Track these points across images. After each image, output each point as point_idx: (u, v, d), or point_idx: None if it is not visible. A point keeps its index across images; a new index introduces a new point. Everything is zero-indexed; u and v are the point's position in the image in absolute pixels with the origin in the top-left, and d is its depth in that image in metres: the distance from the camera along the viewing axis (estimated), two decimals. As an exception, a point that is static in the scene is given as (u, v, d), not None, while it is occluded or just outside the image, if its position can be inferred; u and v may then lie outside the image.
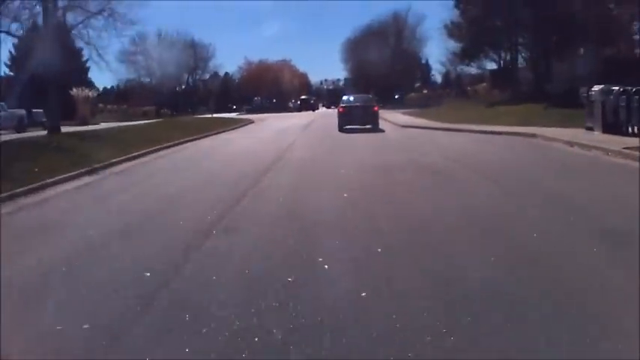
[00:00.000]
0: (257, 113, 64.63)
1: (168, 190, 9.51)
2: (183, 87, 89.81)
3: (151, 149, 16.28)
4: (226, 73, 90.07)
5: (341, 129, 23.16)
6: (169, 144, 18.32)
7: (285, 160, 13.09)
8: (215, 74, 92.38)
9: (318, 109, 76.94)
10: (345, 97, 26.38)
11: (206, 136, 23.12)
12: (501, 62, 40.79)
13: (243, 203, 7.85)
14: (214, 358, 3.10)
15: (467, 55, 40.05)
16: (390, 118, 33.51)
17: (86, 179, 11.57)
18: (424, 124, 25.55)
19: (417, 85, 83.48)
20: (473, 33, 34.90)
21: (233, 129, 28.53)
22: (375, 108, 24.04)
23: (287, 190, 8.82)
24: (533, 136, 16.74)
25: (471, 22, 35.99)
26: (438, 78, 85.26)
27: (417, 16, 69.55)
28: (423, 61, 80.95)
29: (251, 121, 36.83)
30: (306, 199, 8.07)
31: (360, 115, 23.38)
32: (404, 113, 39.47)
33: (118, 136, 19.25)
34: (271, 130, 26.40)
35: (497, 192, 8.18)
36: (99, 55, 23.87)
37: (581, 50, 25.30)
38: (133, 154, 14.87)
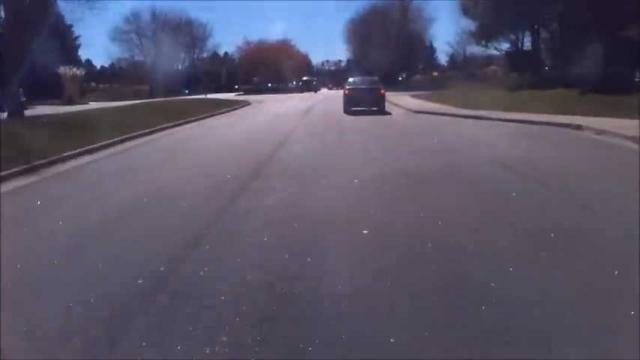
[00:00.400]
0: (256, 94, 61.72)
1: (100, 214, 6.39)
2: (181, 66, 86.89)
3: (116, 139, 13.41)
4: (225, 53, 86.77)
5: (347, 111, 22.74)
6: (143, 132, 15.45)
7: (277, 164, 9.64)
8: (215, 54, 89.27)
9: (319, 90, 74.05)
10: (350, 80, 25.29)
11: (191, 121, 20.20)
12: (519, 44, 37.55)
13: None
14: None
15: (484, 34, 36.74)
16: (399, 102, 30.56)
17: (18, 182, 8.77)
18: (440, 109, 22.58)
19: (421, 67, 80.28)
20: (492, 9, 31.57)
21: (225, 112, 25.62)
22: (382, 90, 23.29)
23: (271, 235, 5.18)
24: (579, 127, 13.85)
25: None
26: (443, 60, 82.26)
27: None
28: (429, 43, 77.76)
29: (247, 103, 33.88)
30: (300, 264, 4.38)
31: (366, 98, 22.81)
32: (413, 96, 36.46)
33: (85, 121, 16.34)
34: (268, 115, 23.50)
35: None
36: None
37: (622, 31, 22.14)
38: (91, 146, 12.02)
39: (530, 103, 20.02)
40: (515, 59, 38.99)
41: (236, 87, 72.32)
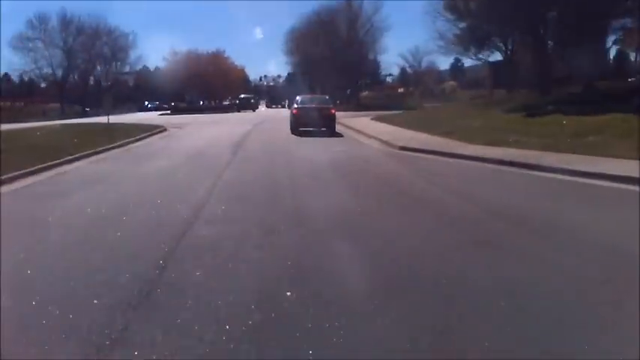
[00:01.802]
0: (185, 113, 53.03)
1: None
2: (103, 81, 76.63)
3: None
4: (144, 66, 77.33)
5: (294, 131, 21.91)
6: None
7: None
8: (145, 67, 79.75)
9: (258, 109, 66.09)
10: (299, 98, 23.76)
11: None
12: (508, 51, 30.88)
13: None
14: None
15: (474, 37, 29.61)
16: (361, 127, 23.11)
17: None
18: (440, 145, 15.03)
19: (367, 82, 73.56)
20: (488, 3, 24.43)
21: (110, 149, 16.82)
22: (332, 110, 22.48)
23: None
24: None
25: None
26: (389, 74, 75.84)
27: (373, 2, 58.71)
28: (374, 56, 71.07)
29: (160, 130, 25.44)
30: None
31: (316, 118, 21.62)
32: (374, 119, 29.16)
33: None
34: (178, 154, 15.34)
35: None
36: None
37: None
38: None
39: (586, 137, 12.80)
40: (502, 70, 32.27)
41: (147, 104, 63.61)
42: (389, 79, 74.42)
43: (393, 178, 10.53)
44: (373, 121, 27.55)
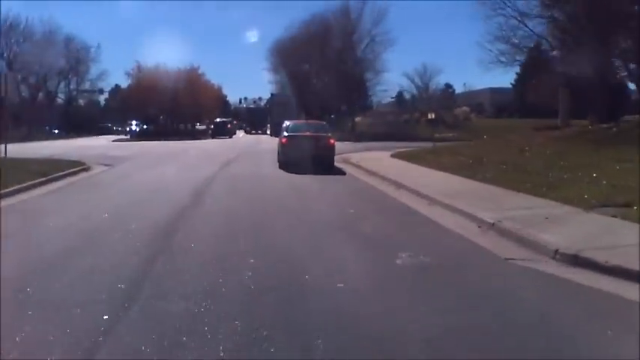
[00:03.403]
0: (144, 140, 43.94)
1: None
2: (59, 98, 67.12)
3: None
4: (101, 90, 67.94)
5: (283, 166, 17.55)
6: None
7: None
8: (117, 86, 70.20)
9: (235, 134, 57.17)
10: (288, 124, 19.59)
11: None
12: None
13: None
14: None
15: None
16: (395, 174, 13.82)
17: None
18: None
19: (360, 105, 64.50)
20: None
21: None
22: (332, 141, 18.29)
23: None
24: None
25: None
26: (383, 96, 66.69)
27: (375, 11, 49.91)
28: (386, 73, 62.08)
29: (77, 170, 16.34)
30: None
31: (310, 149, 17.15)
32: (396, 156, 20.47)
33: None
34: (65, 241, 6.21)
35: None
36: None
37: None
38: None
39: None
40: (585, 94, 23.54)
41: (55, 131, 54.46)
42: (379, 103, 65.62)
43: None
44: (399, 161, 18.80)
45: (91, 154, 22.80)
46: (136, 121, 56.88)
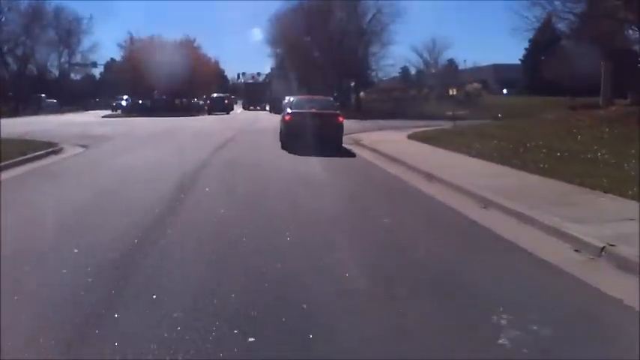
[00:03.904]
0: (136, 116, 41.36)
1: None
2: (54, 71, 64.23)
3: None
4: (94, 63, 64.91)
5: (286, 146, 15.86)
6: None
7: None
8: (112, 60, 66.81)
9: (232, 110, 54.44)
10: (292, 99, 18.16)
11: None
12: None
13: None
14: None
15: None
16: (429, 165, 11.21)
17: None
18: None
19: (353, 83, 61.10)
20: None
21: None
22: (340, 118, 16.45)
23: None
24: None
25: None
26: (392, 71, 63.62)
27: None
28: (393, 45, 58.58)
29: (53, 150, 14.05)
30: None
31: (316, 128, 15.46)
32: (413, 138, 18.08)
33: None
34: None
35: None
36: None
37: None
38: None
39: None
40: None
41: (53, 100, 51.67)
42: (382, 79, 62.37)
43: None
44: (420, 145, 16.34)
45: (71, 133, 20.32)
46: (127, 96, 54.07)
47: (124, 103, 52.88)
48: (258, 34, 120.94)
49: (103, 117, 41.24)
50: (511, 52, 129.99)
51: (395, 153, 13.89)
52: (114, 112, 48.99)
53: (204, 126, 28.47)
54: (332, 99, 21.83)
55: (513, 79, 61.92)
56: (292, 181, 10.01)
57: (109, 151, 15.65)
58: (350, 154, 15.21)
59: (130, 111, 48.18)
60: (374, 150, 15.55)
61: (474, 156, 12.39)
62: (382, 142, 17.18)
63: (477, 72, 65.91)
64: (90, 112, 51.97)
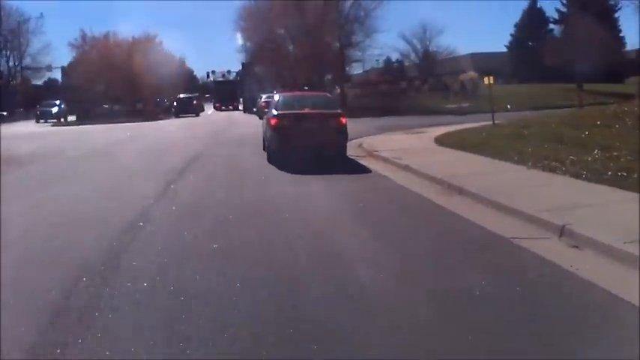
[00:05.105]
0: (89, 123, 35.91)
1: None
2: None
3: None
4: (49, 66, 58.21)
5: (273, 159, 12.33)
6: None
7: None
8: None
9: (203, 111, 49.13)
10: (279, 98, 14.04)
11: None
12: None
13: None
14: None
15: None
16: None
17: None
18: None
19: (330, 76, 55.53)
20: None
21: None
22: (343, 120, 12.63)
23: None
24: None
25: None
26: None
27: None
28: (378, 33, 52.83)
29: None
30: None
31: (312, 134, 12.07)
32: (440, 143, 13.37)
33: None
34: None
35: None
36: None
37: None
38: None
39: None
40: None
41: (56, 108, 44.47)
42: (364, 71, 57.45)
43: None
44: (470, 156, 11.50)
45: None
46: (59, 100, 46.87)
47: (54, 110, 45.28)
48: (227, 29, 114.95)
49: (52, 125, 35.71)
50: (490, 40, 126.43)
51: (446, 174, 9.02)
52: (40, 122, 42.15)
53: (164, 136, 23.22)
54: (330, 95, 17.38)
55: (493, 68, 57.87)
56: (299, 256, 5.15)
57: (11, 185, 10.39)
58: (363, 170, 11.05)
59: (83, 117, 42.42)
60: (403, 167, 10.68)
61: (597, 181, 7.51)
62: (407, 152, 12.43)
63: (452, 62, 61.90)
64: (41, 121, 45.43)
